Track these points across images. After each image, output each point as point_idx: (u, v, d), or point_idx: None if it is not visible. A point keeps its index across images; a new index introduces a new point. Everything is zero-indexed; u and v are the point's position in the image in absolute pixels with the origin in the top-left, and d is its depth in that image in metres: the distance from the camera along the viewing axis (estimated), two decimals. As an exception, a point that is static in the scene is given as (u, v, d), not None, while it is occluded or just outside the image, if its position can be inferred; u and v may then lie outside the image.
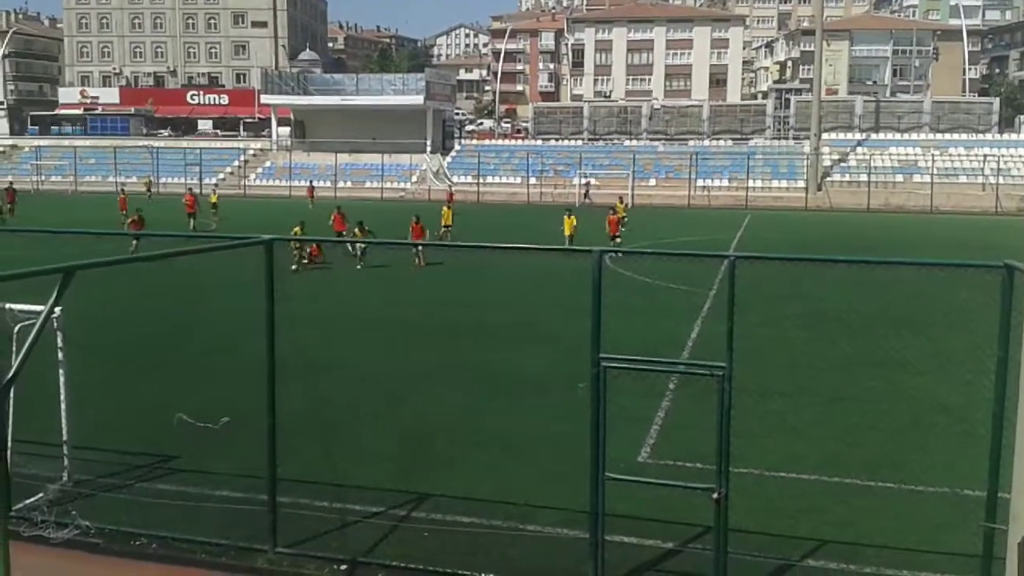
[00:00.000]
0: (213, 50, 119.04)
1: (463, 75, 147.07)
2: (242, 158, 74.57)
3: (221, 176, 69.78)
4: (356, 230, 28.89)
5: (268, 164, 73.97)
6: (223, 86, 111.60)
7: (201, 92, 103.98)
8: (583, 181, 59.23)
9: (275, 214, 48.30)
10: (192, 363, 15.87)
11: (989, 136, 64.77)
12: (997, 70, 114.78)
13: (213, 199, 46.60)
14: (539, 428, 12.36)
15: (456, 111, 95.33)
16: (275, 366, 8.74)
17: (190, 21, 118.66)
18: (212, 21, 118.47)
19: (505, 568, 8.21)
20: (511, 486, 10.34)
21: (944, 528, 8.91)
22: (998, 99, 73.77)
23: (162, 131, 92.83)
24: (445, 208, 37.15)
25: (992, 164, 56.22)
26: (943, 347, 17.18)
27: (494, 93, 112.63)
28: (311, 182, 60.46)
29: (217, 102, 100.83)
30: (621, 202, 41.30)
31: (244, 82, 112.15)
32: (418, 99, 71.81)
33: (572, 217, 33.52)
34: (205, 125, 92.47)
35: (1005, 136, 65.16)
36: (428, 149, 71.22)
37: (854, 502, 10.02)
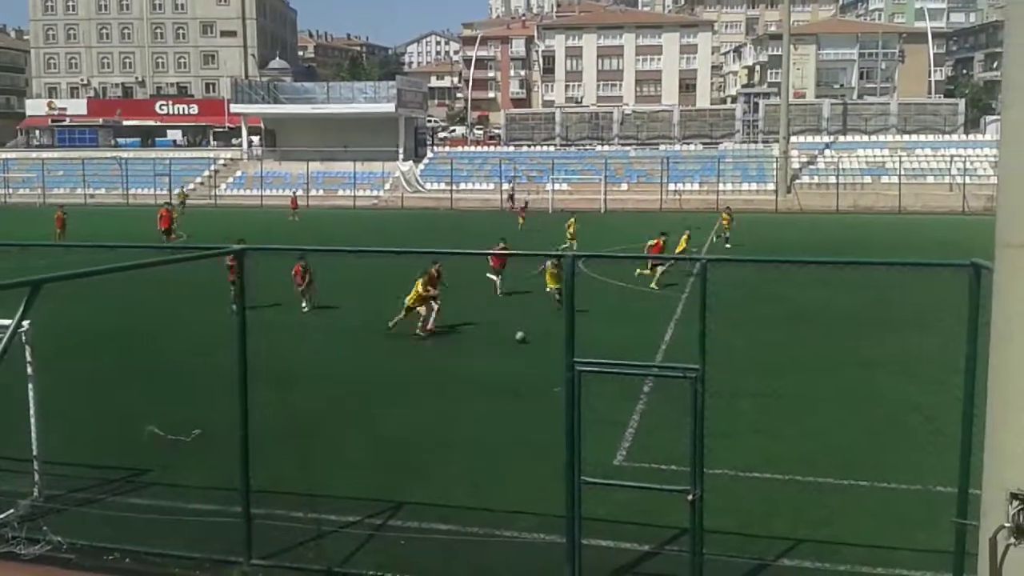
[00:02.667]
0: (182, 60, 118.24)
1: (434, 82, 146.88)
2: (212, 168, 74.07)
3: (191, 186, 69.18)
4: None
5: (239, 173, 73.55)
6: (192, 96, 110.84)
7: (170, 102, 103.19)
8: (508, 186, 60.08)
9: (249, 224, 48.05)
10: (163, 375, 15.72)
11: (955, 137, 65.67)
12: (963, 71, 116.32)
13: (174, 213, 42.71)
14: (515, 433, 12.35)
15: (428, 118, 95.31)
16: (247, 376, 8.67)
17: (158, 31, 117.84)
18: (180, 31, 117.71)
19: (482, 574, 8.19)
20: (487, 492, 10.33)
21: (917, 525, 8.98)
22: (963, 100, 74.82)
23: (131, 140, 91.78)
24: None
25: (959, 164, 56.99)
26: (915, 346, 17.40)
27: (466, 100, 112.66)
28: (295, 192, 59.71)
29: (186, 112, 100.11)
30: (728, 213, 39.46)
31: (214, 92, 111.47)
32: (390, 107, 71.74)
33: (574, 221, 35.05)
34: (175, 134, 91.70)
35: (971, 137, 66.07)
36: (400, 156, 71.13)
37: (828, 501, 10.10)
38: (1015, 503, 5.53)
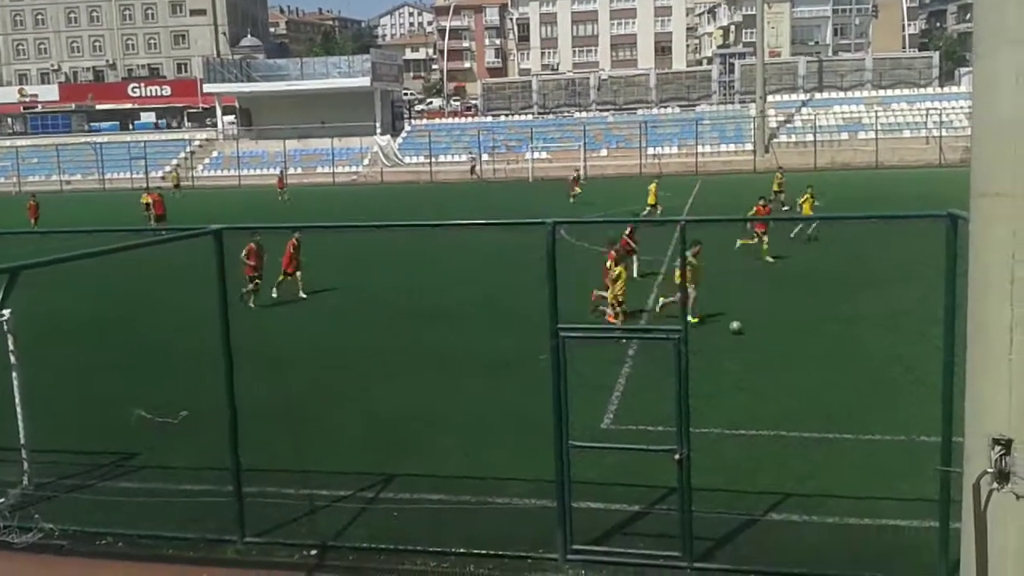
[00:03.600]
0: (152, 41, 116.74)
1: (409, 55, 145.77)
2: (188, 149, 73.41)
3: (167, 169, 68.56)
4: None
5: (215, 154, 72.95)
6: (164, 77, 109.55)
7: (142, 84, 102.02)
8: (469, 156, 60.24)
9: (237, 205, 47.75)
10: (148, 359, 15.67)
11: (930, 90, 65.79)
12: (936, 24, 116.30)
13: (146, 199, 41.08)
14: (504, 404, 12.40)
15: (404, 91, 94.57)
16: (232, 355, 8.67)
17: (127, 13, 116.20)
18: (149, 12, 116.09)
19: (474, 541, 8.27)
20: (478, 462, 10.40)
21: (902, 475, 9.10)
22: (938, 53, 74.89)
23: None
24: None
25: (934, 117, 57.16)
26: (896, 300, 17.53)
27: (441, 71, 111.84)
28: (281, 170, 58.95)
29: (159, 93, 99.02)
30: (781, 174, 36.94)
31: (186, 72, 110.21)
32: (365, 81, 71.18)
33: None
34: (148, 117, 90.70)
35: (946, 89, 66.19)
36: (378, 131, 70.69)
37: (813, 455, 10.22)
38: (997, 448, 5.62)
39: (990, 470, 5.65)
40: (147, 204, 40.22)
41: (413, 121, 79.15)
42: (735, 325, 15.94)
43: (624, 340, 14.35)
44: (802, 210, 26.07)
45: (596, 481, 8.98)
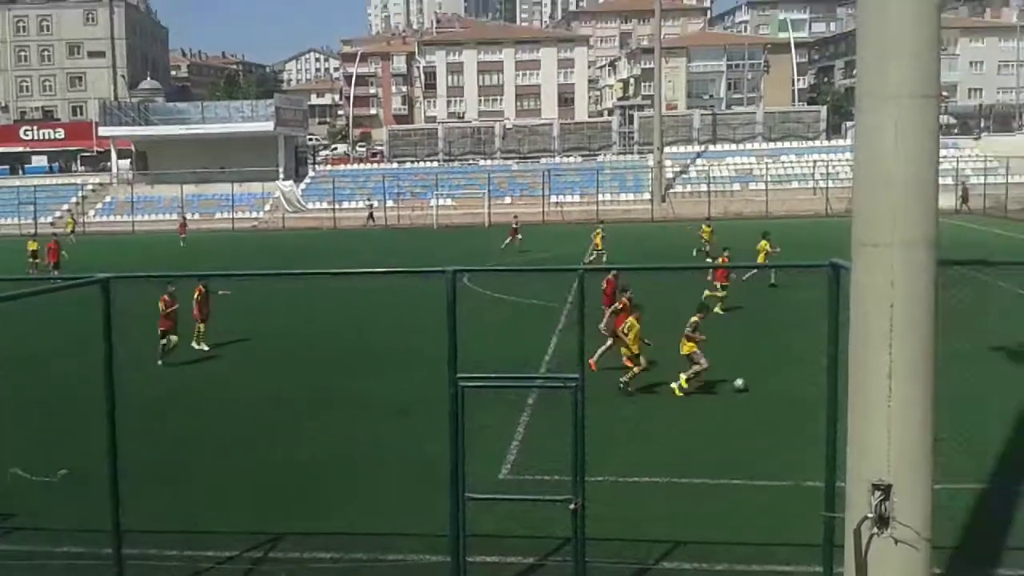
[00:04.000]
0: (47, 83, 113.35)
1: (315, 100, 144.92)
2: (80, 194, 71.02)
3: (57, 214, 65.98)
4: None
5: (108, 199, 70.71)
6: (59, 120, 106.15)
7: (35, 127, 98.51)
8: (368, 203, 60.34)
9: (135, 251, 46.25)
10: (30, 414, 14.89)
11: (818, 143, 68.51)
12: (824, 79, 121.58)
13: (32, 246, 38.75)
14: (402, 452, 12.20)
15: (309, 136, 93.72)
16: (115, 410, 8.28)
17: (22, 54, 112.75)
18: (46, 53, 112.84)
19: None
20: (373, 515, 10.17)
21: (791, 520, 9.21)
22: (825, 107, 78.19)
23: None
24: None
25: (821, 169, 59.41)
26: (786, 346, 17.98)
27: (347, 117, 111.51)
28: (183, 215, 57.05)
29: (52, 137, 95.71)
30: (709, 226, 35.48)
31: (81, 115, 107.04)
32: (268, 125, 70.35)
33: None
34: (40, 160, 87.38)
35: (832, 142, 68.97)
36: (281, 176, 69.78)
37: (705, 502, 10.33)
38: (877, 493, 5.76)
39: (870, 515, 5.79)
40: (33, 252, 37.97)
41: (317, 167, 78.44)
42: (739, 383, 15.44)
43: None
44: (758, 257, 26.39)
45: (493, 533, 8.86)
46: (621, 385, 15.37)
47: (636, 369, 15.68)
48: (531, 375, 15.05)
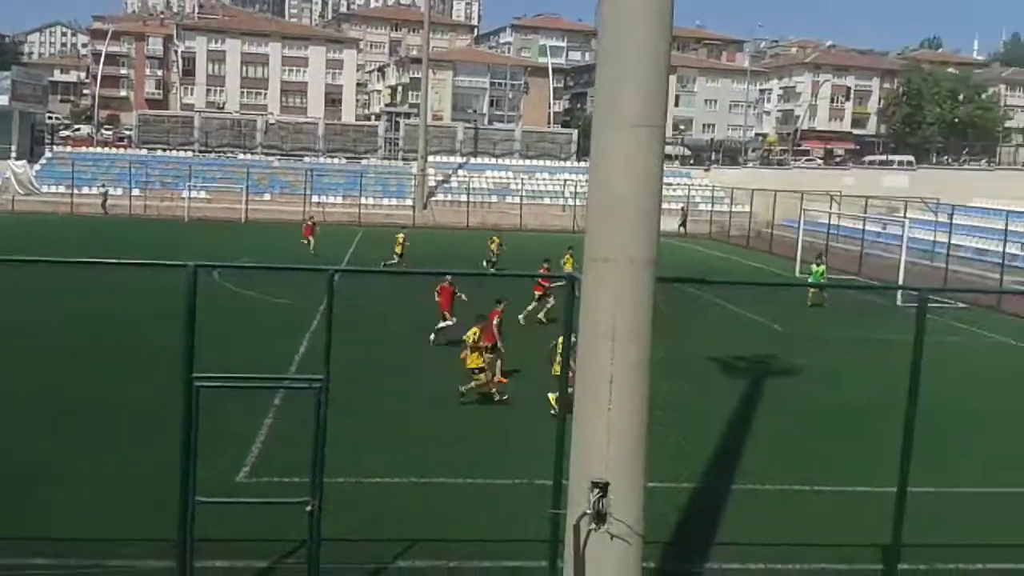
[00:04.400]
0: None
1: (58, 76, 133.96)
2: None
3: None
4: None
5: None
6: None
7: None
8: (102, 188, 57.57)
9: None
10: None
11: (569, 163, 72.17)
12: (577, 105, 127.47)
13: None
14: (132, 457, 11.55)
15: (49, 114, 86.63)
16: None
17: None
18: None
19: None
20: (97, 521, 9.57)
21: (523, 518, 9.61)
22: (577, 131, 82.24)
23: None
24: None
25: (571, 188, 62.47)
26: (527, 352, 18.65)
27: (93, 97, 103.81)
28: None
29: None
30: (498, 237, 34.82)
31: None
32: (3, 99, 64.46)
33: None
34: None
35: (582, 163, 72.64)
36: (13, 155, 63.89)
37: (441, 501, 10.61)
38: (595, 491, 6.18)
39: (588, 511, 6.20)
40: None
41: (56, 147, 72.46)
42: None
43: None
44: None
45: (227, 538, 8.62)
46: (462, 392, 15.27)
47: (482, 379, 15.33)
48: (274, 375, 14.72)
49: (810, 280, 28.00)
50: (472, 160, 70.66)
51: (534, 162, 71.62)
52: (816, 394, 16.25)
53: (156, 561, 8.35)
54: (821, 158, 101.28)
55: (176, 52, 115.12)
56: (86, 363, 16.87)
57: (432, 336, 19.56)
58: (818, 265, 29.20)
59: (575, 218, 56.77)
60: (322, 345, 7.78)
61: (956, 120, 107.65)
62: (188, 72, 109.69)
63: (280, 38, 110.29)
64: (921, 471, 8.61)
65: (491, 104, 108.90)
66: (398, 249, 33.48)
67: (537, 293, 22.88)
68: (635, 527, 6.24)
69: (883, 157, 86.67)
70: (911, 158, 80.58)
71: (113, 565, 8.47)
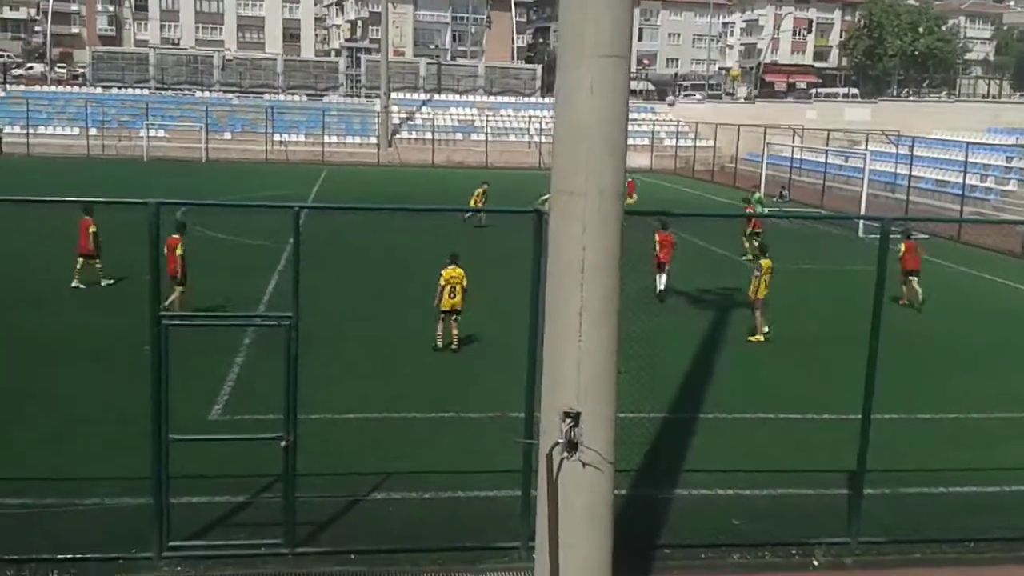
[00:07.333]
0: None
1: (8, 13, 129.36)
2: None
3: None
4: None
5: None
6: None
7: None
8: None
9: None
10: None
11: (533, 99, 71.37)
12: (541, 40, 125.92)
13: None
14: (102, 396, 11.55)
15: (0, 53, 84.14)
16: None
17: None
18: None
19: (61, 546, 7.63)
20: (69, 461, 9.62)
21: (495, 449, 9.75)
22: (541, 66, 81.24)
23: None
24: None
25: (536, 124, 61.99)
26: (498, 287, 18.72)
27: (45, 34, 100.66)
28: None
29: None
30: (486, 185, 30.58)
31: None
32: (-54, 36, 62.35)
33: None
34: None
35: (546, 99, 71.99)
36: (-38, 95, 62.17)
37: (416, 435, 10.75)
38: (567, 421, 6.30)
39: (560, 441, 6.33)
40: None
41: (9, 87, 70.47)
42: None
43: None
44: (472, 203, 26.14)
45: (203, 474, 8.69)
46: None
47: None
48: (242, 313, 14.68)
49: (758, 209, 27.81)
50: (436, 97, 69.69)
51: (498, 98, 70.55)
52: (782, 325, 16.53)
53: (132, 498, 8.41)
54: (784, 92, 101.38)
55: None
56: (55, 305, 16.72)
57: None
58: (753, 194, 30.21)
59: (541, 155, 56.51)
60: (290, 283, 7.79)
61: (916, 53, 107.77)
62: (140, 7, 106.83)
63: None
64: (885, 399, 8.86)
65: (453, 39, 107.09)
66: (478, 202, 28.57)
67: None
68: (606, 455, 6.38)
69: (844, 91, 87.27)
70: (855, 90, 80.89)
71: (88, 503, 8.53)
